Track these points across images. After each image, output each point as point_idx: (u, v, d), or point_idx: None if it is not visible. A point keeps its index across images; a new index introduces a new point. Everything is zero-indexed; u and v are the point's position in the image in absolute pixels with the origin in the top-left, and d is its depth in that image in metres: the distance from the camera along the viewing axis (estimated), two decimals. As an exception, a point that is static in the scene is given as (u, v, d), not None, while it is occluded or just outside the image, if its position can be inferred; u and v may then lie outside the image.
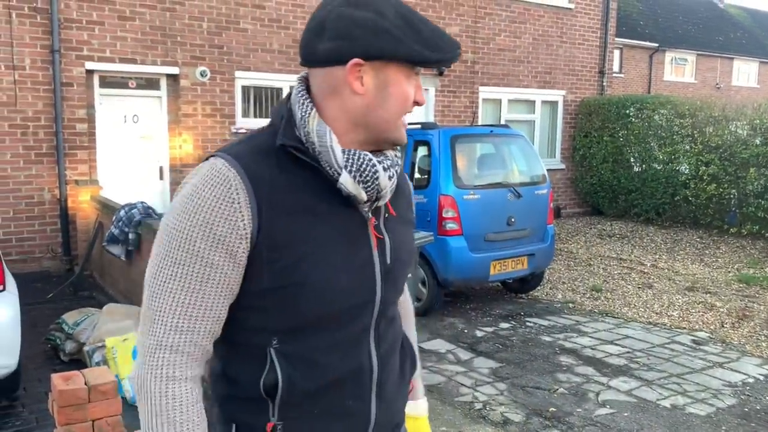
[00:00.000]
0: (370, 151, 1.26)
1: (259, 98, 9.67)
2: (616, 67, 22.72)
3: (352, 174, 1.20)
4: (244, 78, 9.40)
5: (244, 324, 1.21)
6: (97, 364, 4.45)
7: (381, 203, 1.27)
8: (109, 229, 6.17)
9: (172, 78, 8.91)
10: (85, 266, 7.47)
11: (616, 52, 22.39)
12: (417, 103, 1.25)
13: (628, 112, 12.22)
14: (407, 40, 1.16)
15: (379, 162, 1.24)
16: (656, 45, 25.28)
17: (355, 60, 1.16)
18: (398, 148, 1.32)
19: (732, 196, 10.72)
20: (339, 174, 1.19)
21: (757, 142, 10.28)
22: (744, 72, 29.31)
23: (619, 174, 12.29)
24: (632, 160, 12.22)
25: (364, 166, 1.21)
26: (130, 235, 5.88)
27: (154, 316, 1.15)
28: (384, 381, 1.31)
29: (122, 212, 6.01)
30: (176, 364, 1.15)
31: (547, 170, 7.36)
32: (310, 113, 1.20)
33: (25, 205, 8.01)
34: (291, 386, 1.21)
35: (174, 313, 1.13)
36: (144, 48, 8.57)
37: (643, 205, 11.98)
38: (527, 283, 7.29)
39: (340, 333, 1.24)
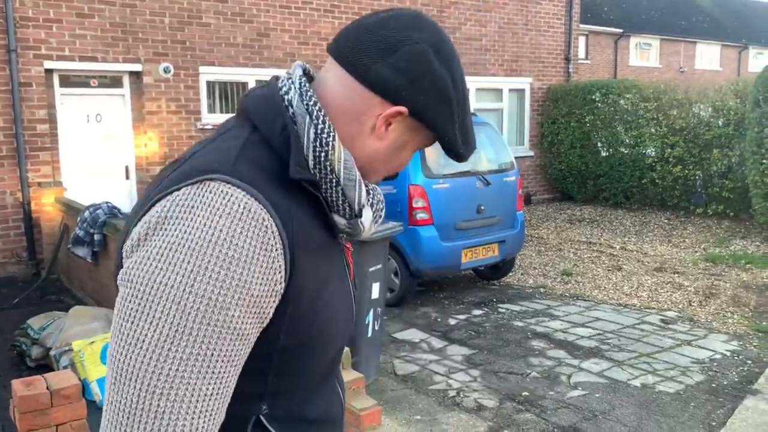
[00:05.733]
0: None
1: (225, 93, 9.55)
2: (582, 54, 22.90)
3: (373, 210, 1.06)
4: (209, 73, 9.28)
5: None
6: (65, 368, 4.37)
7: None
8: (74, 230, 6.05)
9: (135, 75, 8.76)
10: (51, 270, 7.33)
11: (582, 39, 22.58)
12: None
13: (594, 97, 12.34)
14: (456, 122, 1.02)
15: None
16: (621, 31, 25.55)
17: (402, 109, 0.98)
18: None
19: (697, 177, 10.91)
20: (357, 211, 1.01)
21: (720, 123, 10.47)
22: (707, 55, 29.77)
23: (587, 159, 12.42)
24: (599, 144, 12.36)
25: (380, 204, 1.09)
26: (96, 236, 5.77)
27: (156, 422, 0.80)
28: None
29: (87, 213, 5.90)
30: None
31: (517, 157, 7.40)
32: (333, 134, 0.97)
33: (-14, 210, 7.82)
34: None
35: (194, 412, 0.82)
36: (105, 45, 8.40)
37: (611, 189, 12.13)
38: (499, 269, 7.35)
39: (327, 382, 1.10)
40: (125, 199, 8.71)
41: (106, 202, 6.07)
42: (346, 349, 3.28)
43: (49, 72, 8.12)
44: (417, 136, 1.03)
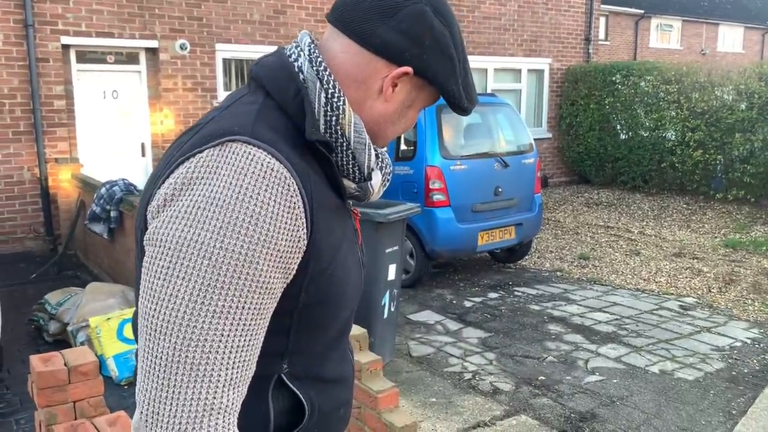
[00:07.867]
0: None
1: (241, 71, 9.49)
2: (602, 35, 22.55)
3: (382, 174, 1.12)
4: (225, 50, 9.21)
5: None
6: (82, 343, 4.39)
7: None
8: (91, 207, 6.06)
9: (152, 52, 8.72)
10: (68, 245, 7.37)
11: (602, 19, 22.21)
12: None
13: (614, 79, 12.14)
14: (458, 78, 1.05)
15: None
16: (642, 11, 25.09)
17: (407, 69, 1.00)
18: None
19: (718, 161, 10.73)
20: (366, 174, 1.05)
21: (743, 107, 10.26)
22: (729, 37, 29.20)
23: (605, 142, 12.25)
24: (619, 127, 12.18)
25: (388, 168, 1.14)
26: (112, 213, 5.78)
27: (192, 373, 0.83)
28: None
29: (103, 190, 5.90)
30: (233, 430, 0.88)
31: (534, 139, 7.30)
32: (343, 99, 0.99)
33: (4, 185, 7.85)
34: (313, 411, 1.04)
35: (228, 363, 0.85)
36: (121, 21, 8.35)
37: (629, 173, 11.97)
38: (515, 252, 7.28)
39: (341, 343, 1.13)
40: (141, 176, 8.71)
41: (123, 179, 6.07)
42: (364, 330, 3.25)
43: (65, 47, 8.10)
44: (422, 94, 1.06)
